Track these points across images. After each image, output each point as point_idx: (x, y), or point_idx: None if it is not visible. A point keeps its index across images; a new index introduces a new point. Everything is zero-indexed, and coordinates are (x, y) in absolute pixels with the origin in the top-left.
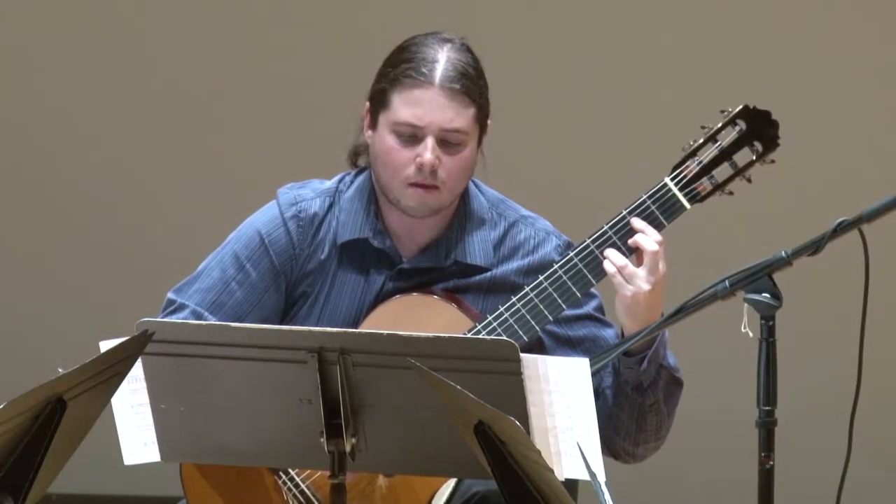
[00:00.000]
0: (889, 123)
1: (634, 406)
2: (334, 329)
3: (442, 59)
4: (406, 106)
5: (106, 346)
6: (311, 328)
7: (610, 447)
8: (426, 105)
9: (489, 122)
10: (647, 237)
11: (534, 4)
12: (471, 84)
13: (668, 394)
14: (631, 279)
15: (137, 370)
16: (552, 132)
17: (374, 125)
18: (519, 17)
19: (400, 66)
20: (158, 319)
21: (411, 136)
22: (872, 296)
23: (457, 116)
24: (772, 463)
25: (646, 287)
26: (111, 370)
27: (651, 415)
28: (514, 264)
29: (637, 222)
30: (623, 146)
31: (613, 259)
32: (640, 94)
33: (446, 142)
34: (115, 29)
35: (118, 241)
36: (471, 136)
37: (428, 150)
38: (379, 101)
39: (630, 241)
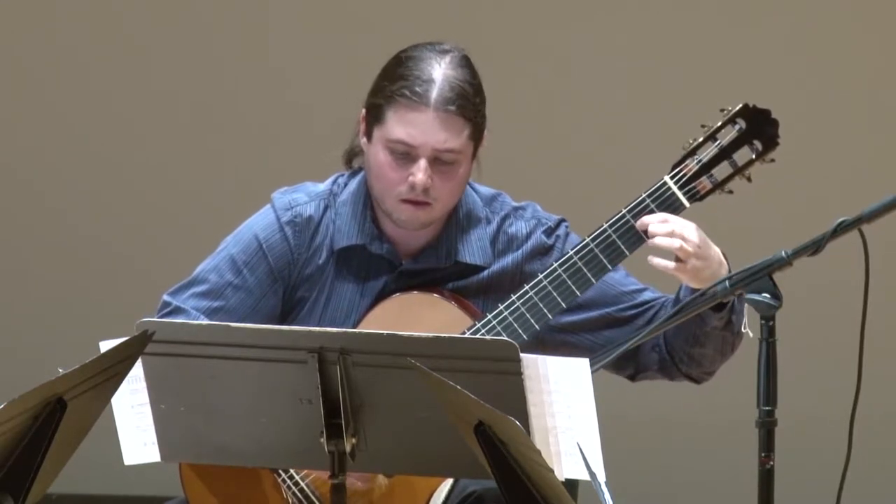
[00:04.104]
0: (889, 123)
1: (720, 339)
2: (334, 329)
3: (438, 78)
4: (400, 125)
5: (106, 346)
6: (311, 328)
7: (693, 377)
8: (420, 126)
9: (486, 133)
10: (663, 237)
11: (534, 4)
12: (466, 104)
13: (740, 313)
14: (681, 270)
15: (137, 370)
16: (552, 132)
17: (368, 135)
18: (518, 16)
19: (396, 83)
20: (158, 319)
21: (404, 154)
22: (872, 296)
23: (451, 138)
24: (772, 463)
25: (697, 264)
26: (111, 370)
27: (737, 338)
28: (510, 258)
29: (651, 226)
30: (624, 145)
31: (662, 265)
32: (641, 93)
33: (440, 160)
34: (113, 28)
35: (118, 241)
36: (464, 154)
37: (420, 171)
38: (374, 114)
39: (650, 242)
